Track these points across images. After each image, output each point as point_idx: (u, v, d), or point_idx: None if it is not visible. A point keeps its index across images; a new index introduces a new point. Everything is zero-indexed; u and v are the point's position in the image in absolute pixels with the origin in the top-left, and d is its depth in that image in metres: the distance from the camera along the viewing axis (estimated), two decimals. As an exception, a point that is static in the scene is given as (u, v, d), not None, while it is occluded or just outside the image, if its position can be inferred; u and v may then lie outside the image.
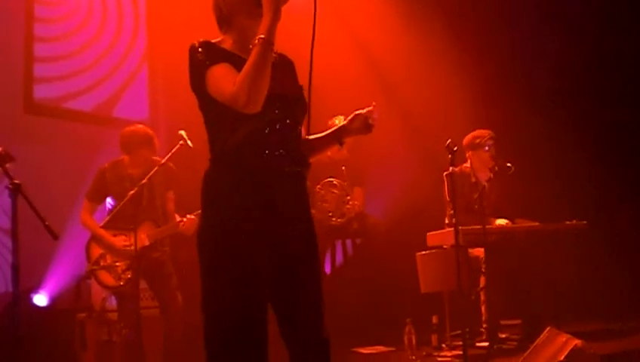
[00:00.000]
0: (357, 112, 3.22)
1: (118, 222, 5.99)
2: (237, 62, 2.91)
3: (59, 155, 7.13)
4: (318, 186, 7.12)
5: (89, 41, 7.84)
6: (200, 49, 2.98)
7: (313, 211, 6.87)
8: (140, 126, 6.26)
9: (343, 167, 7.16)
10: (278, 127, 2.99)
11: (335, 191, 7.10)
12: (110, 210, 6.22)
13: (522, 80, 7.86)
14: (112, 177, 6.14)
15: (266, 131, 2.96)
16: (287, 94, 3.06)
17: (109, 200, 6.30)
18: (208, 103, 2.98)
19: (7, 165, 4.28)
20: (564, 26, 7.83)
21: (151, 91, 8.39)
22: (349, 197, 7.10)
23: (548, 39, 7.90)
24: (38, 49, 7.38)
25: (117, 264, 5.99)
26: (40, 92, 7.34)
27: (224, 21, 3.12)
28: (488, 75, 7.71)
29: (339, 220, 7.05)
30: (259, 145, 2.95)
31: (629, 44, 7.64)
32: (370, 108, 3.20)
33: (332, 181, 7.13)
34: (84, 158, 7.07)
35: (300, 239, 3.03)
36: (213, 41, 3.07)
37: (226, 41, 3.10)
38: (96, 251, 6.05)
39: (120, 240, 6.02)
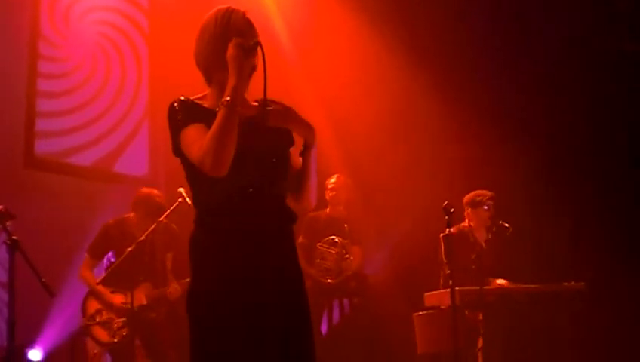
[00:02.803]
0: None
1: (117, 279, 5.98)
2: (213, 121, 2.84)
3: (58, 210, 7.13)
4: (319, 244, 7.14)
5: (91, 97, 7.89)
6: (178, 108, 2.95)
7: (312, 270, 6.94)
8: (157, 193, 6.28)
9: (346, 225, 7.17)
10: (259, 183, 2.94)
11: (335, 248, 7.10)
12: (108, 266, 6.22)
13: (520, 141, 7.89)
14: (116, 234, 6.17)
15: (247, 191, 2.91)
16: (266, 147, 3.00)
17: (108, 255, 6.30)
18: (186, 163, 2.94)
19: (8, 223, 4.30)
20: (563, 87, 7.89)
21: (152, 148, 8.42)
22: (347, 255, 7.10)
23: (549, 98, 7.95)
24: (41, 104, 7.43)
25: (113, 320, 5.98)
26: (41, 147, 7.37)
27: (205, 75, 3.08)
28: (486, 135, 7.75)
29: (335, 279, 7.03)
30: (240, 206, 2.91)
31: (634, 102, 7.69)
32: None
33: (334, 239, 7.14)
34: (83, 213, 7.08)
35: (288, 304, 2.95)
36: (195, 97, 3.04)
37: (209, 96, 3.06)
38: (93, 306, 6.05)
39: (118, 298, 6.02)
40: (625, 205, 7.62)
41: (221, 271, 2.90)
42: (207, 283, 2.91)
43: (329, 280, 7.02)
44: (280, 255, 3.00)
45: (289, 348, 2.92)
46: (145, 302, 6.01)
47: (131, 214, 6.26)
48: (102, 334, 6.01)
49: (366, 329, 7.10)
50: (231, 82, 2.85)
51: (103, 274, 6.10)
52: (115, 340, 5.97)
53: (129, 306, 5.88)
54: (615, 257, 7.41)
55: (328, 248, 7.12)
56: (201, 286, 2.93)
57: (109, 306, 6.00)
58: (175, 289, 6.05)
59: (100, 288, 6.03)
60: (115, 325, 5.99)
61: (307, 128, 3.06)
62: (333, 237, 7.15)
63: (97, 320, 6.02)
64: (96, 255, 6.21)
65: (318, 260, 7.11)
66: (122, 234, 6.13)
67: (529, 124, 7.98)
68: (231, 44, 2.90)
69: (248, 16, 3.07)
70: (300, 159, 3.13)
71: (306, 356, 2.96)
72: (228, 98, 2.82)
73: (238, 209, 2.92)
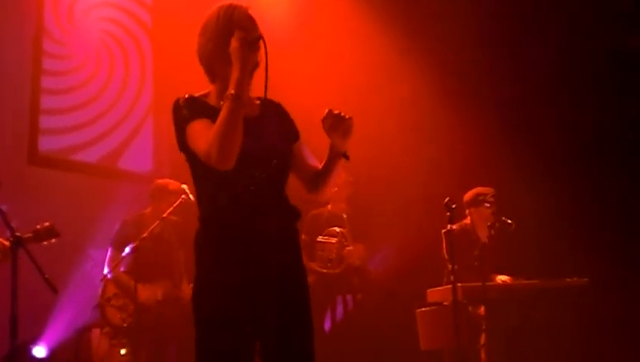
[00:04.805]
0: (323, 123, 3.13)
1: (136, 271, 6.05)
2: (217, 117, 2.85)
3: (62, 207, 7.12)
4: (320, 236, 7.16)
5: (95, 94, 7.91)
6: (182, 104, 2.96)
7: (314, 265, 6.95)
8: (172, 182, 6.37)
9: (344, 215, 7.19)
10: (262, 183, 2.95)
11: (335, 238, 7.13)
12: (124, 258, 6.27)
13: (524, 137, 7.89)
14: (133, 229, 6.23)
15: (251, 188, 2.92)
16: (269, 147, 3.01)
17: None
18: (192, 159, 2.96)
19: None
20: (568, 85, 7.88)
21: (156, 144, 8.44)
22: (347, 243, 7.13)
23: (553, 95, 7.94)
24: (45, 101, 7.44)
25: (128, 306, 6.05)
26: (45, 144, 7.39)
27: (208, 71, 3.09)
28: (490, 132, 7.75)
29: (337, 269, 7.05)
30: (244, 205, 2.92)
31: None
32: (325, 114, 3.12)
33: (334, 229, 7.17)
34: (88, 210, 7.09)
35: (290, 302, 2.97)
36: (198, 94, 3.05)
37: (212, 93, 3.06)
38: (111, 290, 6.14)
39: (142, 293, 6.08)
40: (629, 201, 7.61)
41: (225, 270, 2.91)
42: (212, 282, 2.93)
43: (331, 271, 7.05)
44: (284, 253, 3.01)
45: (289, 347, 2.94)
46: (160, 298, 6.08)
47: (148, 210, 6.36)
48: (114, 316, 6.10)
49: (369, 326, 7.11)
50: (234, 75, 2.84)
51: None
52: (125, 325, 6.07)
53: (149, 302, 6.08)
54: (619, 253, 7.40)
55: (329, 239, 7.16)
56: (205, 285, 2.95)
57: (135, 300, 6.06)
58: (188, 294, 6.08)
59: (130, 283, 6.08)
60: (128, 311, 6.05)
61: (346, 142, 3.11)
62: (334, 228, 7.19)
63: (112, 302, 6.11)
64: (120, 248, 6.26)
65: (320, 252, 7.14)
66: (138, 229, 6.18)
67: (533, 121, 7.97)
68: (234, 37, 2.88)
69: (251, 12, 3.06)
70: (304, 152, 3.19)
71: (305, 356, 2.98)
72: (232, 91, 2.80)
73: (242, 208, 2.93)
